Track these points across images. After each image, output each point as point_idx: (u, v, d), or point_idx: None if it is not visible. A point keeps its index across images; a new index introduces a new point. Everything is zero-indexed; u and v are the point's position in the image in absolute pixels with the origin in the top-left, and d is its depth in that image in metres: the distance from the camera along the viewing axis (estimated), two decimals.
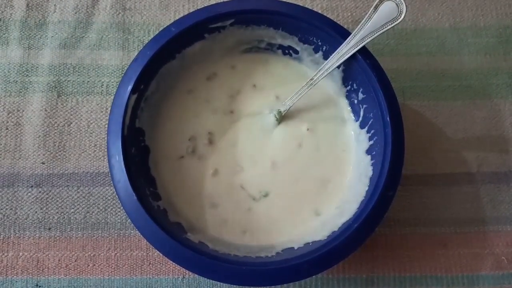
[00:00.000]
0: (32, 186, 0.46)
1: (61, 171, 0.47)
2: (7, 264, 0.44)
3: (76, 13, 0.51)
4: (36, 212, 0.46)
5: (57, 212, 0.46)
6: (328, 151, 0.45)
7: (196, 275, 0.44)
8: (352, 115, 0.46)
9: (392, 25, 0.41)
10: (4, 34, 0.50)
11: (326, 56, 0.45)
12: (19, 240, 0.45)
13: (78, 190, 0.46)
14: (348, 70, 0.44)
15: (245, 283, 0.38)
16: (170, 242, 0.37)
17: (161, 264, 0.45)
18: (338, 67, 0.44)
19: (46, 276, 0.44)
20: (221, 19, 0.43)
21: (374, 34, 0.41)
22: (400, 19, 0.41)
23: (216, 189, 0.43)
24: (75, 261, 0.45)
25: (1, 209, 0.46)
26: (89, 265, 0.45)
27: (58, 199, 0.46)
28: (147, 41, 0.45)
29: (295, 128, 0.45)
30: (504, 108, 0.50)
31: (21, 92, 0.49)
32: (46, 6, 0.51)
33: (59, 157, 0.47)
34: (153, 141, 0.44)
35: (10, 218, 0.45)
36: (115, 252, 0.45)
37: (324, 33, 0.43)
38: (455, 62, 0.51)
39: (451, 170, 0.48)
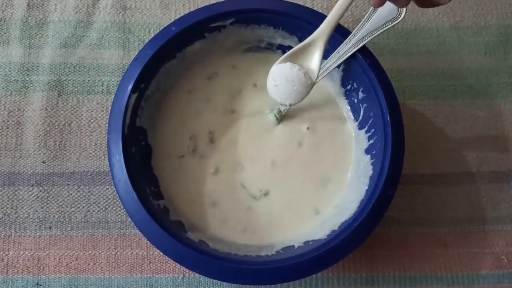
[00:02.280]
0: (32, 185, 0.46)
1: (61, 170, 0.47)
2: (8, 263, 0.44)
3: (76, 12, 0.51)
4: (36, 211, 0.46)
5: (57, 211, 0.46)
6: (328, 150, 0.45)
7: (196, 274, 0.44)
8: (352, 114, 0.46)
9: (392, 24, 0.41)
10: (5, 33, 0.50)
11: (326, 56, 0.44)
12: (19, 239, 0.45)
13: (79, 189, 0.46)
14: (348, 70, 0.44)
15: (245, 282, 0.38)
16: (170, 241, 0.38)
17: (162, 263, 0.45)
18: (338, 66, 0.44)
19: (47, 275, 0.44)
20: (221, 19, 0.43)
21: (374, 33, 0.41)
22: (400, 18, 0.41)
23: (217, 188, 0.44)
24: (75, 260, 0.45)
25: (2, 208, 0.46)
26: (89, 264, 0.45)
27: (58, 198, 0.46)
28: (147, 41, 0.45)
29: (295, 127, 0.45)
30: (504, 108, 0.50)
31: (21, 91, 0.49)
32: (47, 6, 0.52)
33: (59, 156, 0.47)
34: (154, 140, 0.44)
35: (10, 217, 0.46)
36: (116, 251, 0.45)
37: None
38: (455, 62, 0.51)
39: (451, 170, 0.48)
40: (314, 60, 0.41)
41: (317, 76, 0.41)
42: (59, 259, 0.45)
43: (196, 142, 0.45)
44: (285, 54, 0.41)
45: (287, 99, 0.41)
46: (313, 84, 0.41)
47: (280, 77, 0.40)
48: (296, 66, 0.40)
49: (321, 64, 0.41)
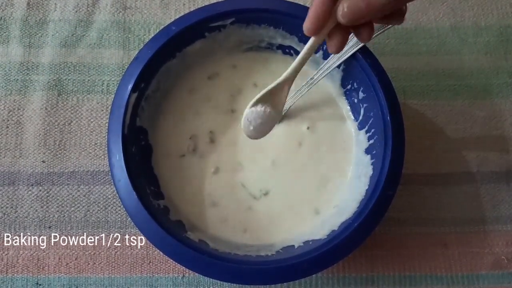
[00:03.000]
0: (32, 185, 0.46)
1: (61, 170, 0.47)
2: (8, 263, 0.44)
3: (76, 11, 0.51)
4: (36, 210, 0.46)
5: (57, 211, 0.46)
6: (328, 150, 0.45)
7: (196, 274, 0.44)
8: (352, 114, 0.46)
9: (393, 24, 0.41)
10: (4, 32, 0.50)
11: (326, 56, 0.45)
12: (19, 239, 0.45)
13: (79, 189, 0.46)
14: (349, 70, 0.44)
15: (245, 282, 0.38)
16: (170, 241, 0.37)
17: (161, 263, 0.45)
18: (339, 66, 0.44)
19: (47, 275, 0.44)
20: (221, 18, 0.43)
21: (375, 33, 0.41)
22: None
23: (217, 187, 0.44)
24: (75, 259, 0.45)
25: (2, 208, 0.46)
26: (89, 264, 0.45)
27: (58, 197, 0.46)
28: (147, 40, 0.45)
29: (295, 127, 0.45)
30: (505, 108, 0.50)
31: (21, 90, 0.49)
32: (47, 5, 0.51)
33: (59, 155, 0.47)
34: (154, 139, 0.44)
35: (10, 216, 0.45)
36: (115, 250, 0.45)
37: None
38: (455, 62, 0.51)
39: (451, 170, 0.48)
40: (282, 98, 0.42)
41: (285, 109, 0.44)
42: (59, 258, 0.45)
43: (196, 141, 0.45)
44: (256, 97, 0.41)
45: (261, 136, 0.43)
46: (281, 114, 0.44)
47: (255, 120, 0.41)
48: (268, 108, 0.41)
49: (286, 98, 0.42)
